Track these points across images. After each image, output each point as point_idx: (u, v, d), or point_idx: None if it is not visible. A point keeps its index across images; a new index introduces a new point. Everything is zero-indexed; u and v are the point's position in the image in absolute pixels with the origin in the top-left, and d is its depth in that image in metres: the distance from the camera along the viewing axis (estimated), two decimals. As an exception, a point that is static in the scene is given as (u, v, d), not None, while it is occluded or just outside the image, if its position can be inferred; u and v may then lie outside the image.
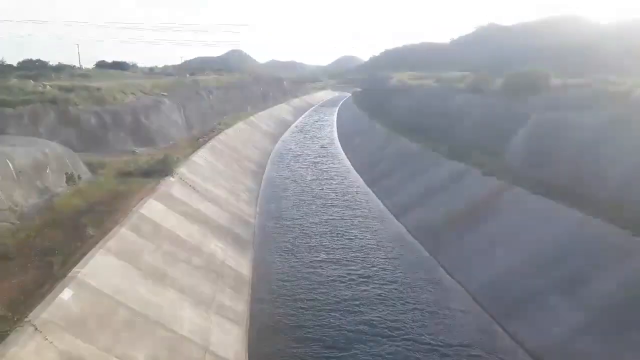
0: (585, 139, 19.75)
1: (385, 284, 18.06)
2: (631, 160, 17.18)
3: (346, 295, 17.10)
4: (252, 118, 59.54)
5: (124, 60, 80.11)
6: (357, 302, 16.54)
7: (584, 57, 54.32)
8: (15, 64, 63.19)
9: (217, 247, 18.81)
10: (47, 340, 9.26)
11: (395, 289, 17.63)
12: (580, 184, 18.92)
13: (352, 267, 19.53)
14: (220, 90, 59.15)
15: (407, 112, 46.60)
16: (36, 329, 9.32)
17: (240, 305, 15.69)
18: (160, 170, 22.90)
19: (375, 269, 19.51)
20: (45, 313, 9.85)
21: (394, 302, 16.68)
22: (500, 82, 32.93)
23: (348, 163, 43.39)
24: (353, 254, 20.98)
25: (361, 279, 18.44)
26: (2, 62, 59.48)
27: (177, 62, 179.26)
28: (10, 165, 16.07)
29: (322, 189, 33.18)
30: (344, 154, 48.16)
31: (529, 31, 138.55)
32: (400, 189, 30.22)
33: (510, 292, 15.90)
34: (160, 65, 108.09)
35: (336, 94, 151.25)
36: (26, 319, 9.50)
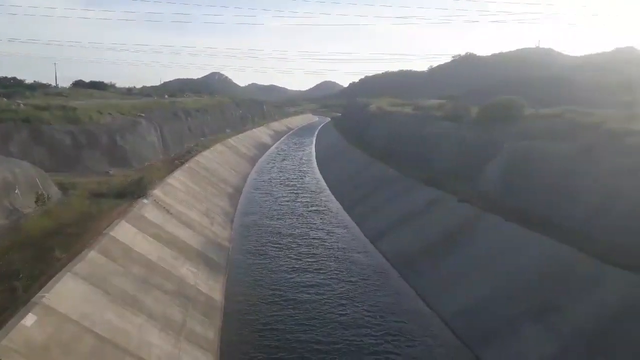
0: (558, 168, 20.19)
1: (359, 310, 17.90)
2: (601, 190, 17.58)
3: (318, 321, 16.87)
4: (230, 140, 59.39)
5: (101, 80, 79.45)
6: (331, 328, 16.33)
7: (556, 89, 56.20)
8: (-11, 81, 62.32)
9: (189, 271, 18.45)
10: (6, 368, 8.89)
11: (369, 315, 17.49)
12: (553, 212, 19.24)
13: (326, 293, 19.31)
14: (199, 112, 58.97)
15: (386, 138, 47.12)
16: (-5, 356, 8.95)
17: (211, 332, 15.34)
18: (134, 191, 22.50)
19: (347, 293, 19.36)
20: (5, 340, 9.44)
21: (367, 327, 16.53)
22: (476, 111, 33.58)
23: (326, 186, 43.46)
24: (327, 279, 20.77)
25: (335, 306, 18.20)
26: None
27: (156, 83, 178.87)
28: (-23, 184, 15.62)
29: (300, 212, 33.04)
30: (322, 177, 48.23)
31: (505, 62, 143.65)
32: (376, 214, 30.27)
33: (484, 320, 15.91)
34: (139, 86, 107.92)
35: (316, 118, 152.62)
36: (-16, 346, 9.11)
